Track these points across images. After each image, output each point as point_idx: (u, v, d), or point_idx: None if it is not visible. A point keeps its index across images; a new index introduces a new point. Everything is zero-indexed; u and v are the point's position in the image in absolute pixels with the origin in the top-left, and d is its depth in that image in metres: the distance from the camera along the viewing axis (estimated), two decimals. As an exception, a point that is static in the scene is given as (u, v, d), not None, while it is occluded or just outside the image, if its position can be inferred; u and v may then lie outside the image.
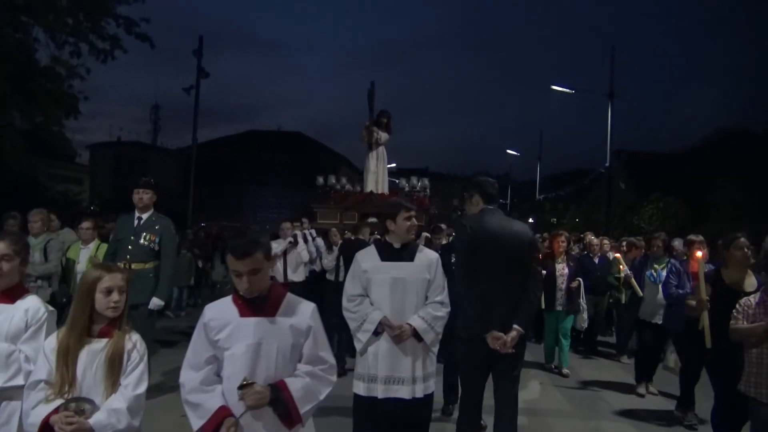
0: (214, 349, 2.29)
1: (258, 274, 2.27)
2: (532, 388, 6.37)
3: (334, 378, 2.42)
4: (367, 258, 3.59)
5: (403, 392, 3.41)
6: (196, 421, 2.22)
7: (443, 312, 3.54)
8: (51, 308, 2.75)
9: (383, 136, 8.72)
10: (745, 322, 3.54)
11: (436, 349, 3.61)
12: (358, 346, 3.52)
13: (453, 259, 4.21)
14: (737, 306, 3.65)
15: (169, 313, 10.12)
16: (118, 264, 5.01)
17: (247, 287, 2.26)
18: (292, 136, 47.47)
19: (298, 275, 7.48)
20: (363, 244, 6.55)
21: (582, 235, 10.56)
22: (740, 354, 3.56)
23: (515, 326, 3.41)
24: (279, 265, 7.63)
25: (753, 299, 3.60)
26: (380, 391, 3.42)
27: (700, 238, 5.78)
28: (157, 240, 5.28)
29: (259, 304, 2.31)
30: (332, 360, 2.44)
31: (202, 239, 12.67)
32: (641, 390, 6.19)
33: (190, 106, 18.48)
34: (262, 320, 2.29)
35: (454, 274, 3.77)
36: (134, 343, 2.43)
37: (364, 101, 8.85)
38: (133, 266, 5.10)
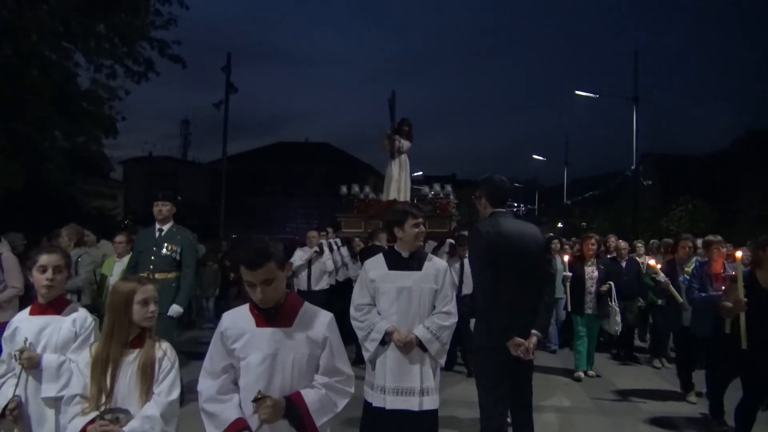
0: (230, 358, 2.27)
1: (271, 285, 2.21)
2: (561, 394, 6.27)
3: (352, 389, 2.38)
4: (375, 266, 3.59)
5: (411, 403, 3.38)
6: (213, 430, 2.21)
7: (450, 322, 3.50)
8: (96, 318, 2.87)
9: (405, 144, 8.75)
10: None
11: (442, 361, 3.58)
12: (366, 355, 3.52)
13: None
14: None
15: (206, 324, 10.29)
16: (143, 275, 5.22)
17: (261, 298, 2.21)
18: (320, 147, 47.94)
19: (321, 284, 7.55)
20: (379, 251, 6.59)
21: (605, 238, 10.36)
22: None
23: (534, 332, 3.36)
24: (304, 273, 7.70)
25: None
26: (388, 402, 3.40)
27: (719, 238, 5.65)
28: (178, 250, 5.42)
29: (275, 314, 2.27)
30: (349, 371, 2.39)
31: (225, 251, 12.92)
32: (692, 398, 5.99)
33: (219, 120, 18.94)
34: (277, 331, 2.25)
35: (474, 283, 3.66)
36: (164, 351, 2.47)
37: (388, 111, 8.90)
38: (156, 276, 5.21)
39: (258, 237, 2.30)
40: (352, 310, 3.60)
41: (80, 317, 2.79)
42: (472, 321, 5.11)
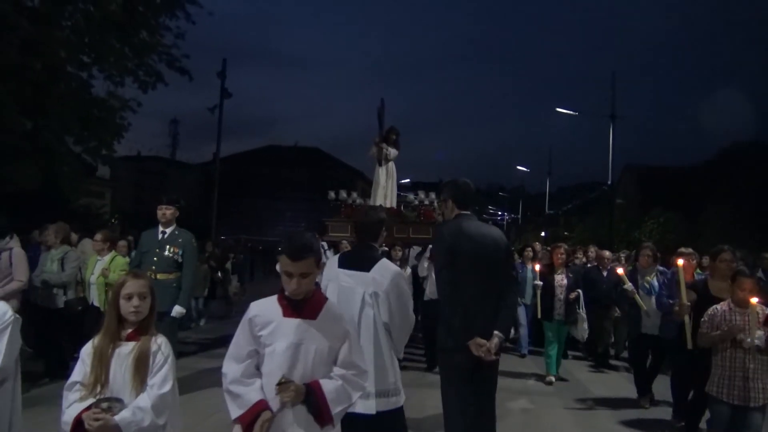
0: (256, 344, 2.41)
1: (307, 278, 2.37)
2: (531, 397, 6.48)
3: (365, 383, 2.54)
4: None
5: (364, 407, 3.27)
6: (236, 410, 2.34)
7: None
8: (17, 316, 2.91)
9: (392, 152, 9.07)
10: (710, 330, 3.83)
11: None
12: None
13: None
14: (704, 315, 3.94)
15: (191, 324, 10.50)
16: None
17: (296, 288, 2.36)
18: (309, 151, 48.24)
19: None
20: None
21: (585, 249, 10.73)
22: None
23: (496, 333, 3.39)
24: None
25: (720, 307, 3.88)
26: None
27: (690, 250, 6.03)
28: (180, 252, 5.67)
29: (302, 306, 2.41)
30: (364, 366, 2.54)
31: (217, 252, 13.13)
32: (644, 403, 6.25)
33: (208, 120, 19.16)
34: (303, 322, 2.39)
35: (437, 284, 3.70)
36: (159, 345, 2.56)
37: (376, 117, 9.20)
38: (158, 276, 5.45)
39: (303, 233, 2.50)
40: None
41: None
42: None
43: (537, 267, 7.50)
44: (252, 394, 2.33)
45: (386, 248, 8.15)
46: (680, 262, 4.93)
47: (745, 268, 4.17)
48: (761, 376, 3.68)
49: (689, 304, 4.57)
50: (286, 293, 2.42)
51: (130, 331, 2.55)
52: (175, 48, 12.51)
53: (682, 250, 6.08)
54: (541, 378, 7.33)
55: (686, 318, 4.56)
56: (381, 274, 3.40)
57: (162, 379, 2.50)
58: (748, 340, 3.61)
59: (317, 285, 2.58)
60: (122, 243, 7.52)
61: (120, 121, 12.30)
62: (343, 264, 3.55)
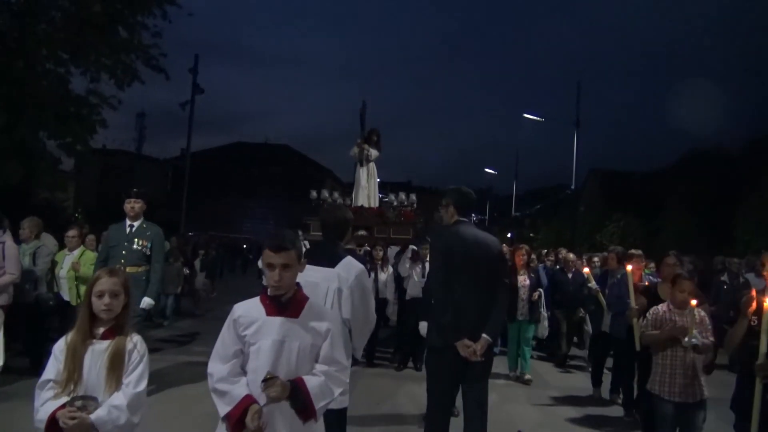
0: (240, 344, 2.46)
1: (288, 271, 2.44)
2: (498, 396, 6.57)
3: (347, 379, 2.60)
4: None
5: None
6: (224, 407, 2.39)
7: None
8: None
9: (373, 152, 9.23)
10: (652, 330, 4.04)
11: None
12: None
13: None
14: (647, 315, 4.16)
15: (163, 321, 10.43)
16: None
17: (278, 280, 2.42)
18: (279, 148, 47.92)
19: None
20: (353, 255, 7.00)
21: (557, 250, 11.05)
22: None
23: (484, 335, 3.56)
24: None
25: (660, 308, 4.10)
26: None
27: (639, 252, 6.29)
28: (148, 245, 5.71)
29: (285, 305, 2.48)
30: (346, 362, 2.60)
31: (185, 248, 13.05)
32: (596, 394, 6.72)
33: (176, 114, 19.01)
34: (286, 320, 2.46)
35: (429, 284, 3.91)
36: (135, 343, 2.55)
37: (349, 114, 9.40)
38: (127, 269, 5.39)
39: (285, 229, 2.62)
40: None
41: None
42: (422, 324, 5.48)
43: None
44: (238, 389, 2.38)
45: (368, 248, 8.30)
46: (629, 267, 5.26)
47: (684, 272, 4.34)
48: (699, 373, 3.86)
49: (638, 307, 4.82)
50: (269, 287, 2.49)
51: (105, 329, 2.52)
52: (155, 47, 12.48)
53: (632, 252, 6.38)
54: (507, 376, 7.51)
55: (635, 321, 4.80)
56: (346, 271, 3.40)
57: (137, 377, 2.50)
58: (686, 339, 3.78)
59: (298, 285, 2.59)
60: (91, 237, 7.44)
61: (97, 118, 12.23)
62: (309, 259, 3.65)
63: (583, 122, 23.51)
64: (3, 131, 10.32)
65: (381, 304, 7.78)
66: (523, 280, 7.41)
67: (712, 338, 3.94)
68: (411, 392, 6.41)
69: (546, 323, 7.67)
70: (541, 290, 7.47)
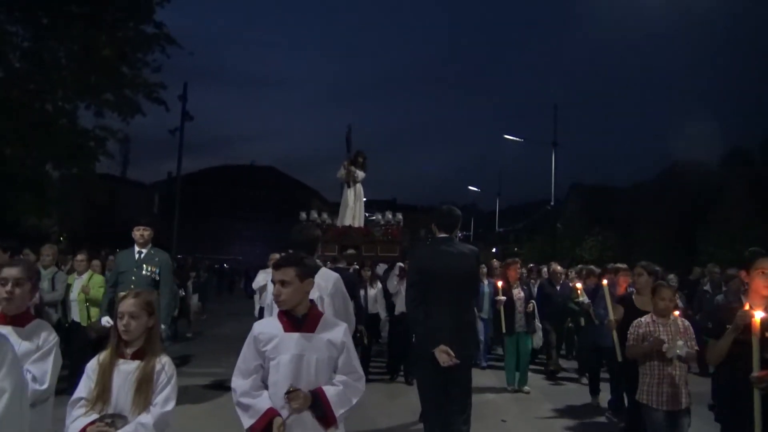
0: (261, 359, 2.64)
1: (286, 287, 2.62)
2: (492, 409, 6.73)
3: (363, 387, 2.75)
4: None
5: None
6: (247, 420, 2.55)
7: None
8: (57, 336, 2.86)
9: (360, 174, 9.58)
10: (637, 342, 4.11)
11: None
12: None
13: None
14: (630, 328, 4.24)
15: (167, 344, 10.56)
16: (122, 294, 5.72)
17: (276, 294, 2.64)
18: (265, 171, 48.18)
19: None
20: (343, 273, 7.27)
21: (538, 267, 11.39)
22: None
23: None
24: (267, 292, 8.32)
25: (644, 319, 4.18)
26: None
27: (624, 266, 6.55)
28: (157, 271, 5.86)
29: (301, 321, 2.66)
30: (361, 371, 2.78)
31: (180, 271, 13.22)
32: (594, 402, 6.87)
33: (161, 137, 19.18)
34: (303, 335, 2.64)
35: (406, 296, 4.14)
36: (163, 365, 2.63)
37: (335, 136, 9.83)
38: None
39: (296, 253, 2.80)
40: None
41: (45, 332, 2.73)
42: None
43: (500, 283, 7.76)
44: (261, 403, 2.55)
45: (357, 266, 8.61)
46: (605, 281, 5.60)
47: (663, 281, 4.48)
48: (683, 381, 3.95)
49: (616, 319, 5.02)
50: (276, 301, 2.68)
51: (135, 349, 2.62)
52: (156, 84, 13.01)
53: (618, 266, 6.65)
54: (501, 390, 7.59)
55: (614, 333, 5.04)
56: (324, 279, 3.57)
57: (165, 398, 2.57)
58: (670, 350, 3.85)
59: (312, 302, 2.78)
60: (96, 262, 7.68)
61: (101, 150, 12.76)
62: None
63: (567, 137, 24.51)
64: (20, 166, 10.81)
65: (372, 319, 8.05)
66: (518, 293, 7.61)
67: (696, 347, 4.04)
68: (404, 403, 6.54)
69: (540, 334, 7.87)
70: (533, 302, 7.68)
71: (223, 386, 6.84)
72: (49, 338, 2.72)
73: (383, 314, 8.26)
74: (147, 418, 2.51)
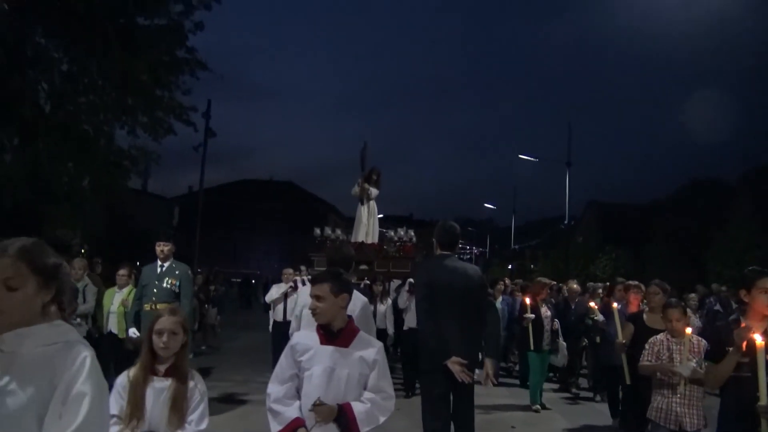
0: (296, 369, 2.73)
1: (321, 302, 2.70)
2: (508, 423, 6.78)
3: (392, 407, 2.79)
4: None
5: None
6: (275, 426, 2.65)
7: None
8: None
9: (373, 191, 9.77)
10: (652, 359, 4.09)
11: None
12: None
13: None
14: (646, 345, 4.22)
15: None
16: (146, 305, 5.94)
17: (313, 309, 2.73)
18: (284, 185, 48.73)
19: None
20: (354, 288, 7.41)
21: (562, 284, 11.37)
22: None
23: (488, 359, 3.95)
24: (280, 306, 8.52)
25: (659, 337, 4.17)
26: None
27: (636, 282, 6.52)
28: (177, 284, 6.13)
29: (337, 335, 2.74)
30: (392, 391, 2.82)
31: (203, 285, 13.51)
32: (615, 425, 6.56)
33: (179, 151, 19.39)
34: (337, 349, 2.71)
35: (417, 313, 4.24)
36: (196, 383, 2.66)
37: (350, 148, 10.01)
38: (158, 306, 5.82)
39: (333, 269, 2.94)
40: None
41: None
42: None
43: (528, 300, 7.88)
44: (290, 411, 2.65)
45: (368, 282, 8.79)
46: (615, 304, 5.59)
47: (672, 300, 4.44)
48: (695, 402, 3.90)
49: (624, 342, 4.96)
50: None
51: (167, 366, 2.63)
52: (189, 108, 13.49)
53: (630, 283, 6.66)
54: (523, 408, 7.60)
55: (623, 356, 4.97)
56: (353, 303, 3.53)
57: (200, 415, 2.61)
58: (685, 369, 3.82)
59: (350, 317, 2.86)
60: (122, 271, 7.94)
61: (136, 168, 13.52)
62: None
63: (584, 155, 24.73)
64: (59, 182, 11.54)
65: (380, 335, 8.18)
66: (545, 311, 7.76)
67: None
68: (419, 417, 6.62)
69: (565, 352, 7.94)
70: (557, 321, 7.79)
71: (235, 399, 7.00)
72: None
73: (391, 330, 8.39)
74: None
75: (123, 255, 16.13)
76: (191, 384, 2.62)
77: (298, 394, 2.73)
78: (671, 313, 4.10)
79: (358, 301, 3.72)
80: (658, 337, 4.18)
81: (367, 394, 2.72)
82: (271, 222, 44.30)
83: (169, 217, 40.39)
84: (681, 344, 3.98)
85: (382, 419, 2.72)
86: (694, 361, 3.87)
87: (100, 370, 1.79)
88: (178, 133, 13.36)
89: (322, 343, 2.74)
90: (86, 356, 1.74)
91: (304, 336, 2.85)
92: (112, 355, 6.67)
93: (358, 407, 2.65)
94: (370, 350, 2.78)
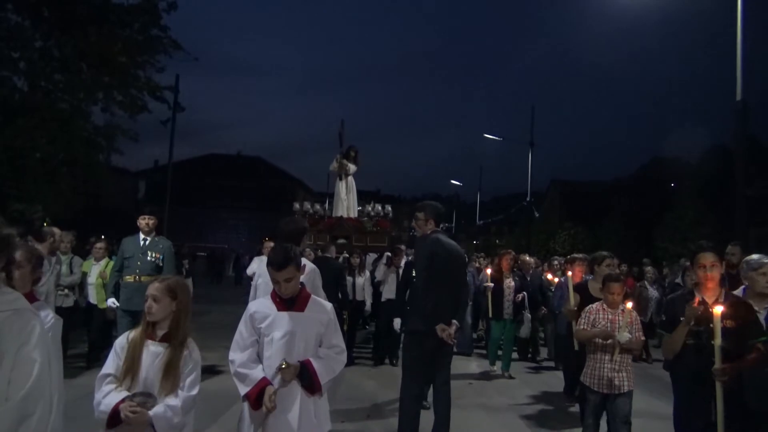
0: (256, 335, 2.93)
1: (291, 282, 2.94)
2: (472, 394, 6.94)
3: (345, 359, 3.11)
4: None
5: None
6: (244, 388, 2.85)
7: None
8: (58, 317, 2.73)
9: (351, 167, 10.07)
10: (588, 327, 4.30)
11: None
12: None
13: (414, 273, 5.04)
14: (581, 314, 4.44)
15: None
16: (128, 278, 6.11)
17: (283, 291, 2.93)
18: (252, 160, 48.12)
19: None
20: (330, 261, 7.66)
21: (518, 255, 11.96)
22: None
23: (454, 322, 4.42)
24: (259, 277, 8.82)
25: (594, 306, 4.37)
26: None
27: (581, 256, 6.98)
28: (161, 257, 6.29)
29: (292, 301, 2.96)
30: (344, 346, 3.11)
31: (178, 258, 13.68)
32: (566, 400, 6.70)
33: (147, 124, 19.18)
34: (294, 314, 2.94)
35: (416, 280, 4.73)
36: (190, 351, 2.75)
37: (319, 125, 10.39)
38: (142, 279, 6.03)
39: (283, 246, 3.01)
40: None
41: (42, 313, 2.60)
42: (396, 320, 6.23)
43: (488, 271, 8.24)
44: (256, 373, 2.85)
45: (346, 255, 9.12)
46: (569, 272, 6.06)
47: (614, 274, 4.69)
48: (625, 367, 4.16)
49: (575, 308, 5.15)
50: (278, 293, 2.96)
51: (164, 332, 2.73)
52: (164, 87, 13.75)
53: (575, 256, 7.09)
54: (485, 375, 7.92)
55: (573, 322, 5.13)
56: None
57: (191, 382, 2.70)
58: (617, 338, 4.08)
59: (302, 284, 3.07)
60: (100, 244, 8.10)
61: (112, 146, 13.54)
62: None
63: (552, 133, 25.62)
64: (34, 159, 11.69)
65: (358, 306, 8.48)
66: (509, 282, 7.95)
67: (643, 337, 4.31)
68: (389, 384, 6.67)
69: (529, 324, 8.19)
70: (524, 293, 8.02)
71: (212, 370, 7.13)
72: (46, 320, 2.56)
73: (369, 301, 8.65)
74: (175, 400, 2.62)
75: (89, 230, 16.10)
76: (185, 351, 2.71)
77: (259, 358, 2.93)
78: (612, 287, 4.31)
79: (306, 268, 3.95)
80: (593, 306, 4.38)
81: (321, 351, 2.99)
82: (239, 197, 43.92)
83: (135, 191, 39.74)
84: (617, 315, 4.23)
85: (338, 370, 3.01)
86: (628, 330, 4.13)
87: (49, 337, 1.86)
88: (152, 111, 13.44)
89: (279, 309, 2.95)
90: (35, 324, 1.79)
91: (261, 304, 3.05)
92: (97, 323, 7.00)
93: (317, 363, 2.91)
94: (323, 312, 3.05)
